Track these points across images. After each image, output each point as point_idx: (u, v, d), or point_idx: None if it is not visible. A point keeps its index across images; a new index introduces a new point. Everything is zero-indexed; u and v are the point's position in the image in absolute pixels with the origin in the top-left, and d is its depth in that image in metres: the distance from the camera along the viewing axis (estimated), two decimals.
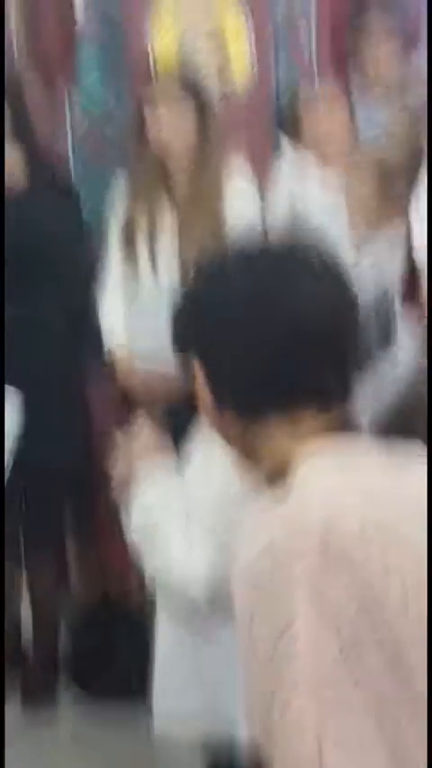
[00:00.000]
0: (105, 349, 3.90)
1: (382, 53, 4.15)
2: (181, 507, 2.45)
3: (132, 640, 4.06)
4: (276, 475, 1.53)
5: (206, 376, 1.58)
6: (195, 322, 1.58)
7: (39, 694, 3.98)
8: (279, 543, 1.41)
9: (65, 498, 3.95)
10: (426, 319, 3.51)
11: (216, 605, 2.44)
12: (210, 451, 2.55)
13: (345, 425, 1.54)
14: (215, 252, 1.63)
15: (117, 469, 2.51)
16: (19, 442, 3.59)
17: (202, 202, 3.71)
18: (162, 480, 2.45)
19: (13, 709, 3.86)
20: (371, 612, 1.40)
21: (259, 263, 1.55)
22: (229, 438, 1.61)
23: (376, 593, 1.41)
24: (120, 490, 2.53)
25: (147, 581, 2.53)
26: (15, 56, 4.28)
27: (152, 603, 2.61)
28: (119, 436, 2.52)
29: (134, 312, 3.85)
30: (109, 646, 4.08)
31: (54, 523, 4.00)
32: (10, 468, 3.60)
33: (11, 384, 3.66)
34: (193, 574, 2.40)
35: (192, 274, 1.63)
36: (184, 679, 2.56)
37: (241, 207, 3.76)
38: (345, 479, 1.48)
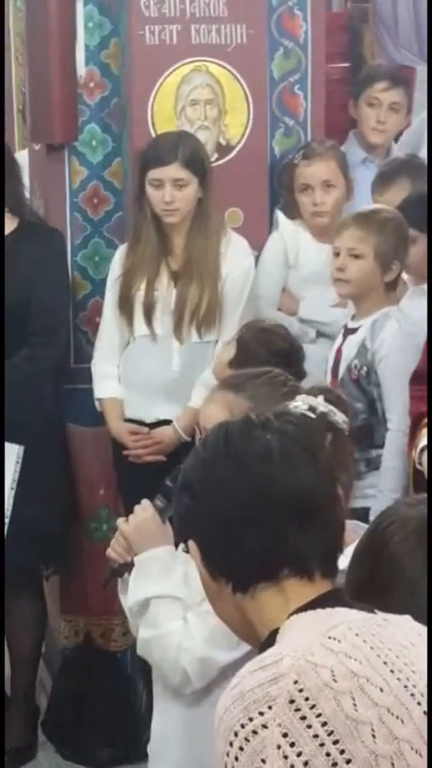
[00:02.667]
0: (96, 400, 3.97)
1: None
2: (177, 590, 2.51)
3: (113, 691, 4.09)
4: (267, 643, 1.62)
5: (201, 554, 1.70)
6: (187, 503, 1.72)
7: (16, 753, 4.00)
8: (249, 694, 1.49)
9: (46, 542, 3.97)
10: None
11: (205, 680, 2.49)
12: None
13: (331, 596, 1.64)
14: (207, 438, 1.76)
15: (115, 552, 2.57)
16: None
17: (198, 262, 3.82)
18: (159, 567, 2.50)
19: None
20: (339, 764, 1.45)
21: (241, 447, 1.68)
22: (231, 619, 1.71)
23: (345, 744, 1.45)
24: (115, 572, 2.58)
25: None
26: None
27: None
28: (120, 521, 2.58)
29: (126, 365, 3.93)
30: (88, 701, 4.10)
31: (33, 570, 4.02)
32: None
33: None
34: (186, 644, 2.45)
35: (186, 462, 1.76)
36: (179, 755, 2.60)
37: (236, 265, 3.86)
38: (321, 633, 1.55)
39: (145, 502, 2.59)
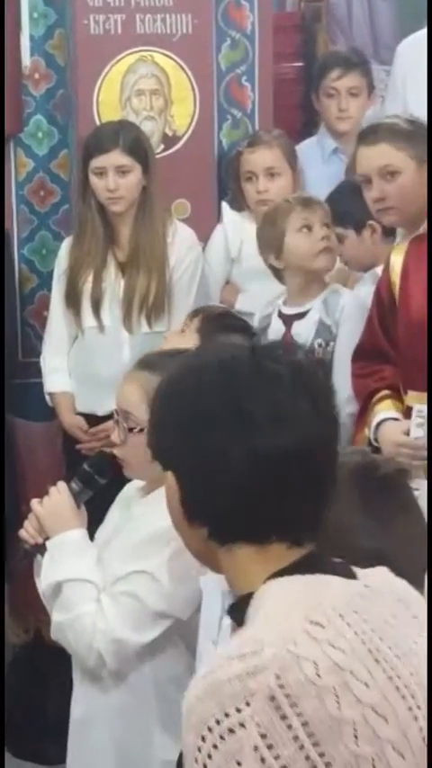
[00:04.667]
0: (47, 394, 3.94)
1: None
2: (90, 573, 2.48)
3: (62, 687, 4.05)
4: (239, 606, 1.50)
5: (180, 491, 1.53)
6: (172, 436, 1.53)
7: None
8: (226, 685, 1.37)
9: None
10: None
11: (120, 662, 2.46)
12: (129, 514, 2.58)
13: (310, 560, 1.51)
14: (192, 363, 1.56)
15: (27, 533, 2.53)
16: None
17: (145, 251, 3.79)
18: (71, 550, 2.47)
19: None
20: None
21: (243, 382, 1.49)
22: (197, 552, 1.57)
23: (326, 747, 1.36)
24: (27, 552, 2.55)
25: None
26: None
27: None
28: (34, 502, 2.54)
29: (76, 358, 3.90)
30: (38, 698, 4.07)
31: None
32: None
33: None
34: (100, 626, 2.42)
35: (166, 385, 1.56)
36: (98, 741, 2.57)
37: (184, 255, 3.83)
38: (303, 615, 1.42)
39: (61, 484, 2.56)
